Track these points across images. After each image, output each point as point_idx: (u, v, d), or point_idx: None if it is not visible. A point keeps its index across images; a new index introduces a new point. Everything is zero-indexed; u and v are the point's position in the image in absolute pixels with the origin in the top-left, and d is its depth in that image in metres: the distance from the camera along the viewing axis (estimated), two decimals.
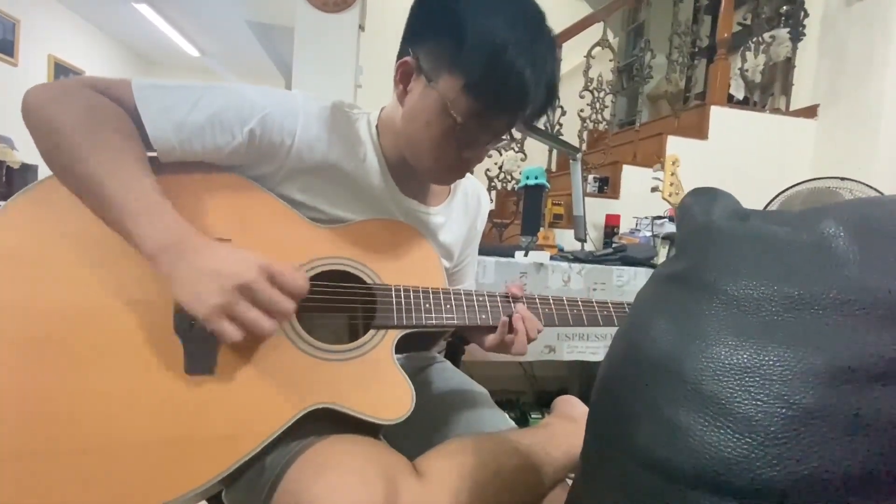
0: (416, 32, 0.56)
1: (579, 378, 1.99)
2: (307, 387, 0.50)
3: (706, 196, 0.35)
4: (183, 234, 0.46)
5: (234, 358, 0.49)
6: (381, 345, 0.55)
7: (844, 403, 0.21)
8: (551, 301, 0.66)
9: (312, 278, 0.55)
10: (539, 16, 0.54)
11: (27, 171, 3.67)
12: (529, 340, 0.62)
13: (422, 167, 0.61)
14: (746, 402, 0.23)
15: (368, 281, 0.58)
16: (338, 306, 0.56)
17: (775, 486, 0.22)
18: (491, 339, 0.62)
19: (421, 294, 0.59)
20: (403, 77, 0.58)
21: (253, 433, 0.46)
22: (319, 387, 0.50)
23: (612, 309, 0.68)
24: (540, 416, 1.72)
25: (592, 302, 0.67)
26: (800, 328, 0.24)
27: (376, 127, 0.65)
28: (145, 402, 0.45)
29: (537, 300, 0.65)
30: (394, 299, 0.57)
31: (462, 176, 0.64)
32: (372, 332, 0.55)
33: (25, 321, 0.45)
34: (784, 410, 0.22)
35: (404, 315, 0.56)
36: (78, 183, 0.48)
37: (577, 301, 0.67)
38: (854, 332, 0.22)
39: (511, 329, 0.61)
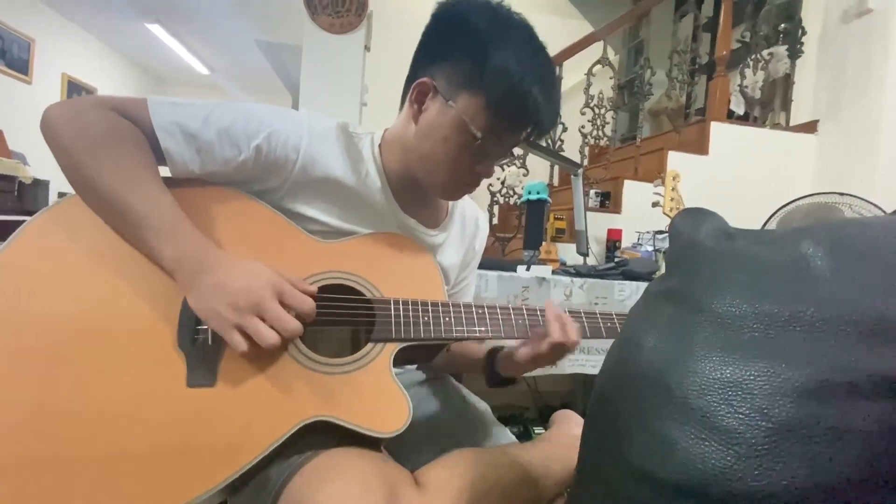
0: (433, 55, 0.60)
1: (583, 393, 1.97)
2: (305, 399, 0.51)
3: (695, 216, 0.36)
4: (201, 250, 0.50)
5: (235, 371, 0.50)
6: (379, 358, 0.55)
7: (822, 416, 0.22)
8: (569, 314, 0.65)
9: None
10: (544, 47, 0.59)
11: (38, 187, 3.73)
12: (565, 348, 0.60)
13: (434, 182, 0.63)
14: (730, 415, 0.24)
15: (368, 294, 0.59)
16: (337, 320, 0.57)
17: (758, 497, 0.23)
18: (523, 351, 0.61)
19: (420, 307, 0.59)
20: (419, 97, 0.61)
21: (251, 445, 0.47)
22: (317, 399, 0.51)
23: (615, 321, 0.67)
24: (543, 430, 1.70)
25: (596, 314, 0.67)
26: (780, 344, 0.25)
27: (379, 146, 0.67)
28: (147, 414, 0.47)
29: (538, 312, 0.65)
30: (392, 312, 0.58)
31: (472, 190, 0.66)
32: (370, 345, 0.56)
33: (35, 335, 0.47)
34: (764, 423, 0.23)
35: (403, 328, 0.57)
36: (99, 200, 0.51)
37: (580, 313, 0.66)
38: (831, 348, 0.24)
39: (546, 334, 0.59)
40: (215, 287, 0.48)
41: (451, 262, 0.75)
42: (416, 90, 0.60)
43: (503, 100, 0.55)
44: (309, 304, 0.51)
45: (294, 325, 0.49)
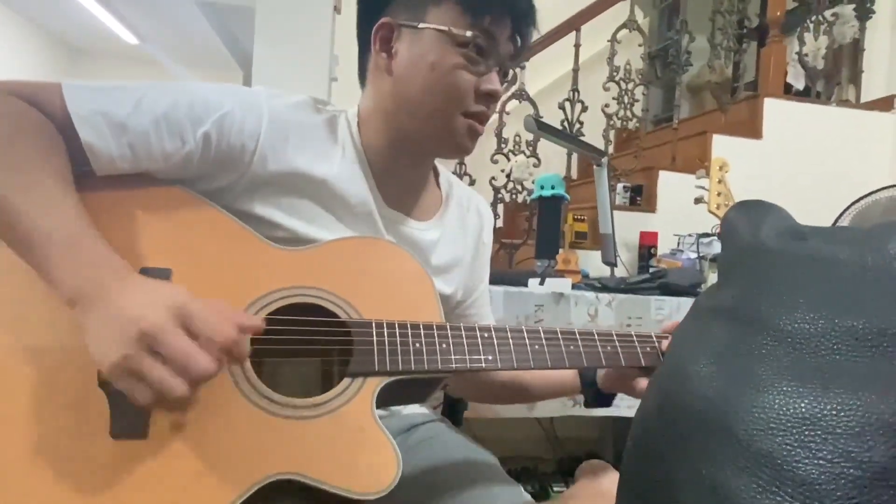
0: None
1: (613, 440, 1.97)
2: (263, 453, 0.49)
3: (754, 211, 0.36)
4: (100, 274, 0.47)
5: (172, 417, 0.49)
6: (359, 397, 0.54)
7: None
8: (578, 336, 0.65)
9: (273, 313, 0.56)
10: None
11: None
12: None
13: (435, 129, 0.65)
14: (807, 461, 0.24)
15: (343, 316, 0.58)
16: (304, 349, 0.56)
17: None
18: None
19: (410, 331, 0.58)
20: (383, 44, 0.66)
21: None
22: (279, 452, 0.50)
23: (657, 344, 0.68)
24: (564, 487, 1.69)
25: (632, 336, 0.67)
26: (867, 370, 0.25)
27: (357, 124, 0.68)
28: (61, 472, 0.45)
29: (558, 335, 0.65)
30: (375, 338, 0.57)
31: (484, 124, 0.68)
32: (347, 380, 0.55)
33: None
34: (852, 471, 0.23)
35: (388, 358, 0.56)
36: None
37: (612, 335, 0.66)
38: None
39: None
40: (104, 318, 0.44)
41: (453, 259, 0.76)
42: (377, 38, 0.65)
43: None
44: (224, 331, 0.45)
45: (203, 363, 0.43)
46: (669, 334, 0.69)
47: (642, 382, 0.68)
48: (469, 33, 0.62)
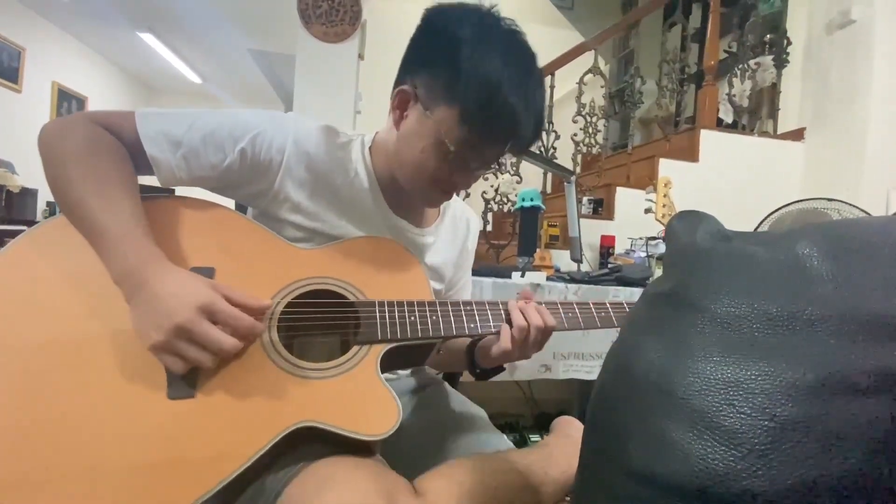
0: (416, 62, 0.59)
1: (579, 400, 1.97)
2: (288, 406, 0.50)
3: (691, 218, 0.37)
4: (142, 262, 0.47)
5: (215, 381, 0.49)
6: (366, 360, 0.54)
7: (822, 414, 0.22)
8: (544, 305, 0.64)
9: (296, 298, 0.56)
10: (530, 55, 0.57)
11: (27, 196, 3.69)
12: (539, 336, 0.59)
13: (412, 188, 0.63)
14: (731, 415, 0.24)
15: (352, 298, 0.58)
16: (322, 325, 0.56)
17: (761, 497, 0.22)
18: (497, 347, 0.60)
19: (406, 307, 0.59)
20: (401, 104, 0.60)
21: (235, 454, 0.46)
22: (301, 405, 0.50)
23: (610, 310, 0.66)
24: (539, 438, 1.70)
25: (588, 304, 0.66)
26: (779, 344, 0.25)
27: (369, 149, 0.67)
28: (130, 428, 0.46)
29: (543, 304, 0.63)
30: (377, 314, 0.57)
31: (449, 198, 0.66)
32: (356, 348, 0.55)
33: (14, 355, 0.46)
34: (766, 423, 0.23)
35: (388, 329, 0.56)
36: (69, 210, 0.50)
37: (573, 305, 0.65)
38: (829, 347, 0.24)
39: (514, 325, 0.58)
40: (146, 304, 0.46)
41: (442, 261, 0.75)
42: (397, 97, 0.60)
43: (478, 111, 0.54)
44: (245, 322, 0.47)
45: (228, 343, 0.46)
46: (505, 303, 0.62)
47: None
48: (453, 148, 0.56)
